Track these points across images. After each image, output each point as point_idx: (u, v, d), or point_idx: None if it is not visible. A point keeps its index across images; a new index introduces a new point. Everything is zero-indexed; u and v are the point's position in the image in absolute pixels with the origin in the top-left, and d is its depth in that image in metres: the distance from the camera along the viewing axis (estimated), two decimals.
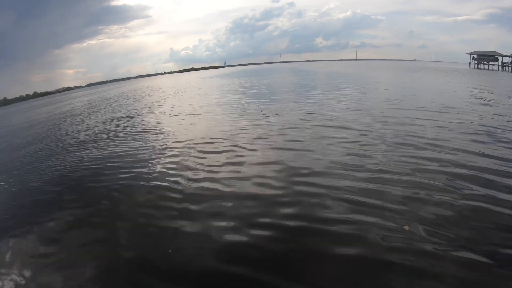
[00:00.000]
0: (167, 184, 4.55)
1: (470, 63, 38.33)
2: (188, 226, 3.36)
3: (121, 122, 11.20)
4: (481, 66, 35.89)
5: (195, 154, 5.86)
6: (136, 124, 10.39)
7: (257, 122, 8.22)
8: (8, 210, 4.49)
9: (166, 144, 6.97)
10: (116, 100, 22.91)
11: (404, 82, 19.11)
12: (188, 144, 6.76)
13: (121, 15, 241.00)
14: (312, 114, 8.60)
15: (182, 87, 29.75)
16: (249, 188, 4.12)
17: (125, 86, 55.20)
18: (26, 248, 3.38)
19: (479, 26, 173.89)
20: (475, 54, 36.99)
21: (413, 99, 10.36)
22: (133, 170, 5.37)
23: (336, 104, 10.11)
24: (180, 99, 17.99)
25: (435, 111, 7.93)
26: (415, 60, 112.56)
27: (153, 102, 17.56)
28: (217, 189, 4.17)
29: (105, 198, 4.36)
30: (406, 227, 2.95)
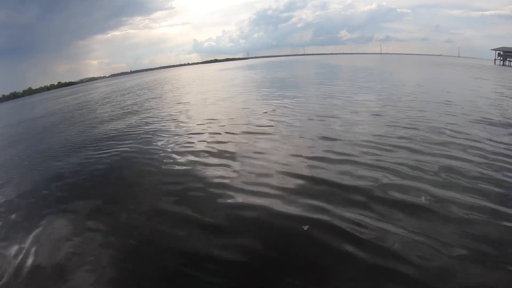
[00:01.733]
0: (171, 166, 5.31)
1: (495, 59, 36.94)
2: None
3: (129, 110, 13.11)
4: (507, 63, 34.59)
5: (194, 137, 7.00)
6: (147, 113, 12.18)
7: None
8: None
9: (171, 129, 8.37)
10: (132, 91, 25.16)
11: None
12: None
13: (145, 7, 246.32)
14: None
15: (198, 78, 31.30)
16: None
17: (146, 77, 58.17)
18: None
19: (507, 21, 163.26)
20: (500, 50, 35.57)
21: None
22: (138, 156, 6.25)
23: None
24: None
25: None
26: (440, 55, 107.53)
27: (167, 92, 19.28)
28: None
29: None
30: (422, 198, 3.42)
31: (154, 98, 17.14)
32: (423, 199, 3.38)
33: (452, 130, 5.91)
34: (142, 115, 11.07)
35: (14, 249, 3.33)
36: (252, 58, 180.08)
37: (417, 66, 33.18)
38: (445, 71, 23.69)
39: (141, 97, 18.39)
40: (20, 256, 3.17)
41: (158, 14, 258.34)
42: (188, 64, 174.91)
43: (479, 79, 16.90)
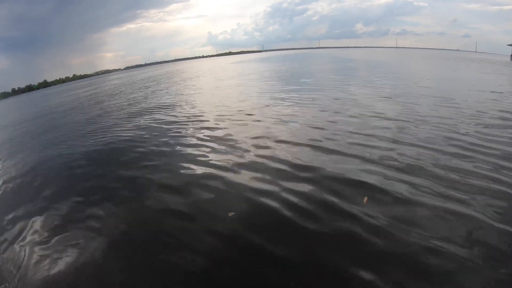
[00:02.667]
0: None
1: (511, 55, 35.65)
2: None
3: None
4: None
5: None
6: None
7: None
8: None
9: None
10: (142, 84, 25.95)
11: None
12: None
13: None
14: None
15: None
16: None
17: (159, 70, 58.52)
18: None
19: None
20: None
21: None
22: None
23: None
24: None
25: None
26: (458, 50, 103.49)
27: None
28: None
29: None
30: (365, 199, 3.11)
31: (160, 90, 17.73)
32: (230, 215, 3.11)
33: None
34: (150, 109, 11.44)
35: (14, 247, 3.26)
36: (267, 51, 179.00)
37: (447, 63, 31.45)
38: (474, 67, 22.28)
39: (148, 90, 19.05)
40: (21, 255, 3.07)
41: (173, 6, 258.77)
42: (203, 56, 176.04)
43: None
